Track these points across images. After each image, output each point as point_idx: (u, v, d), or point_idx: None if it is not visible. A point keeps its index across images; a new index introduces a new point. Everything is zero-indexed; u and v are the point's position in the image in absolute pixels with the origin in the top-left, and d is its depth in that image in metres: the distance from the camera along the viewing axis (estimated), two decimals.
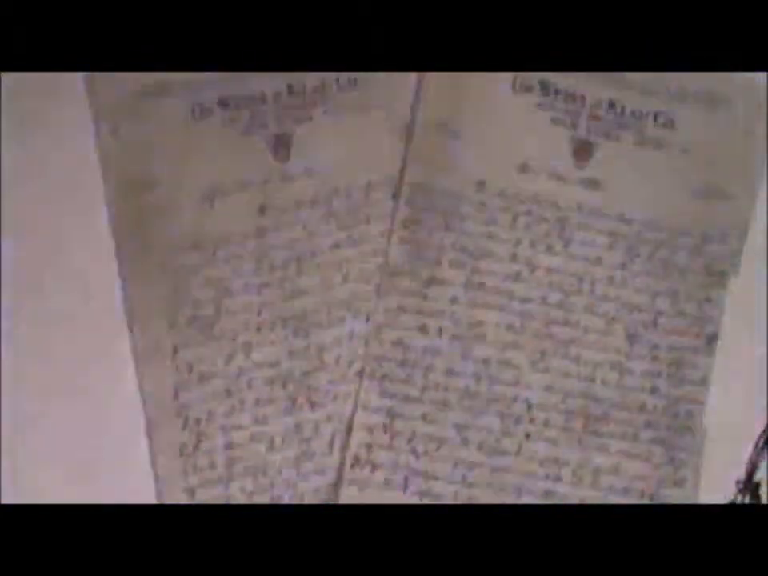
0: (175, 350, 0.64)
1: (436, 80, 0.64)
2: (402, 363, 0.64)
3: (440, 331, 0.64)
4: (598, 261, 0.65)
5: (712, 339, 0.65)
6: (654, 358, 0.65)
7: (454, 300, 0.64)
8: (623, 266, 0.65)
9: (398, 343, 0.64)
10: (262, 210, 0.64)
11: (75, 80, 0.63)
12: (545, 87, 0.65)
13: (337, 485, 0.64)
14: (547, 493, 0.64)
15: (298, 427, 0.64)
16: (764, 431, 0.64)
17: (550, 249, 0.65)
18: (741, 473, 0.64)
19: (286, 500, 0.64)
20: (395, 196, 0.65)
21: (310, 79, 0.64)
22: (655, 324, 0.65)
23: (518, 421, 0.64)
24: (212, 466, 0.63)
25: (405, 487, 0.64)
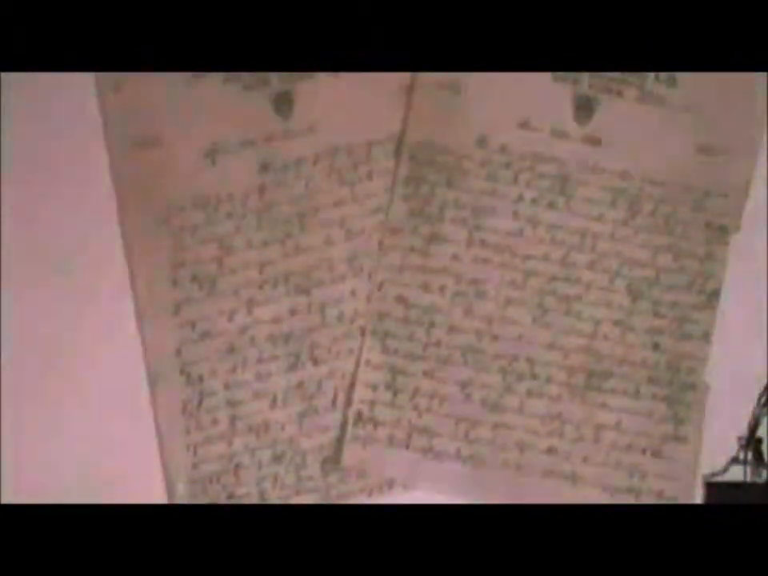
0: (177, 308, 0.64)
1: None
2: (404, 320, 0.64)
3: (442, 288, 0.64)
4: (600, 217, 0.65)
5: (713, 295, 0.65)
6: (656, 314, 0.65)
7: (455, 257, 0.64)
8: (625, 223, 0.65)
9: (400, 300, 0.64)
10: (264, 168, 0.64)
11: None
12: None
13: (339, 442, 0.64)
14: (549, 449, 0.64)
15: (300, 384, 0.64)
16: (766, 387, 0.64)
17: (551, 205, 0.65)
18: (743, 429, 0.64)
19: (288, 457, 0.64)
20: (397, 153, 0.65)
21: None
22: (657, 280, 0.65)
23: (520, 377, 0.64)
24: (214, 423, 0.64)
25: (407, 444, 0.64)
